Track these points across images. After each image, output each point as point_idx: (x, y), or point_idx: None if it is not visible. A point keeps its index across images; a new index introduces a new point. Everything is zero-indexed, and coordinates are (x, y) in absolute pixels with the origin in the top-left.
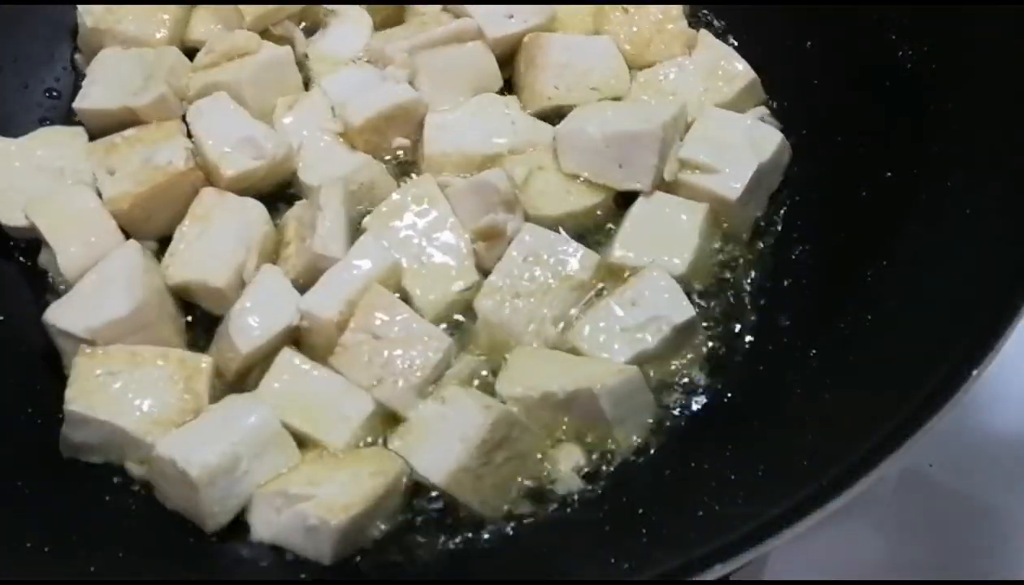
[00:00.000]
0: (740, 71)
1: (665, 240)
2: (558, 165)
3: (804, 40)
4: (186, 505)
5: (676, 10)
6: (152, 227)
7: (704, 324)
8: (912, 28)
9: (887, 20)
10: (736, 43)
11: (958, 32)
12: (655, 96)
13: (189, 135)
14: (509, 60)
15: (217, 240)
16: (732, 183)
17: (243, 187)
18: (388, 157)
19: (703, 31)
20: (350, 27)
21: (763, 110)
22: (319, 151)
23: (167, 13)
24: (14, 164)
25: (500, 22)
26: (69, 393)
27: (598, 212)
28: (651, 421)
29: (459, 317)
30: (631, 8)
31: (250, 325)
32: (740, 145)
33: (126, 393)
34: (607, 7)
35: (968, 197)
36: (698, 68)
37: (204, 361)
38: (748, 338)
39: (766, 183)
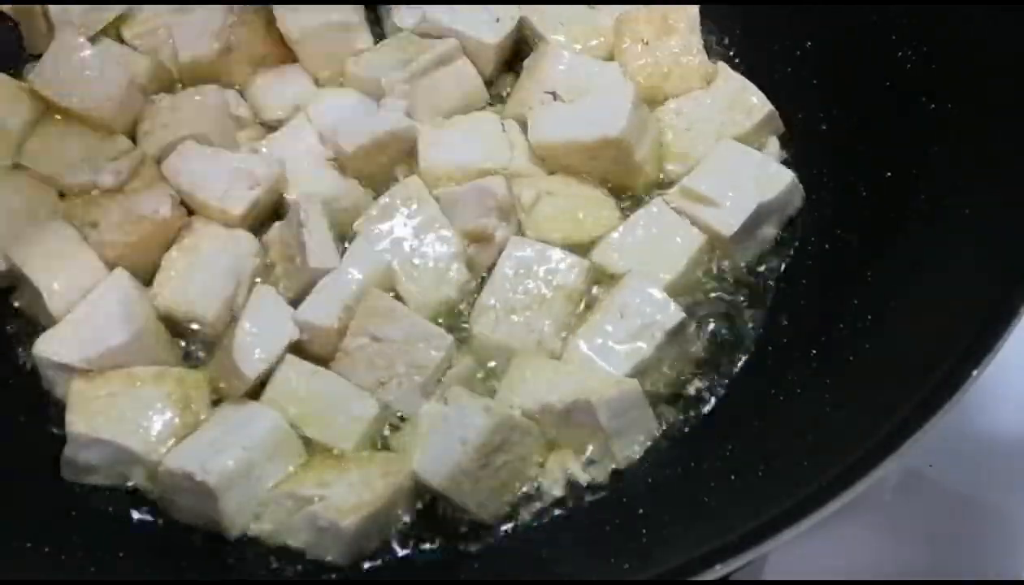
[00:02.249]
0: (757, 104)
1: (652, 254)
2: (568, 191)
3: (803, 40)
4: (204, 515)
5: (695, 43)
6: (136, 270)
7: (704, 321)
8: (912, 28)
9: (887, 20)
10: (734, 45)
11: (958, 32)
12: (671, 131)
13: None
14: (501, 71)
15: (207, 271)
16: (729, 219)
17: (251, 219)
18: (384, 183)
19: (721, 63)
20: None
21: (776, 147)
22: (305, 174)
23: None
24: None
25: (490, 28)
26: (70, 416)
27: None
28: (650, 435)
29: (455, 319)
30: (649, 41)
31: (253, 351)
32: (746, 181)
33: (127, 413)
34: (624, 41)
35: (968, 197)
36: (716, 101)
37: (201, 377)
38: (748, 338)
39: (770, 223)
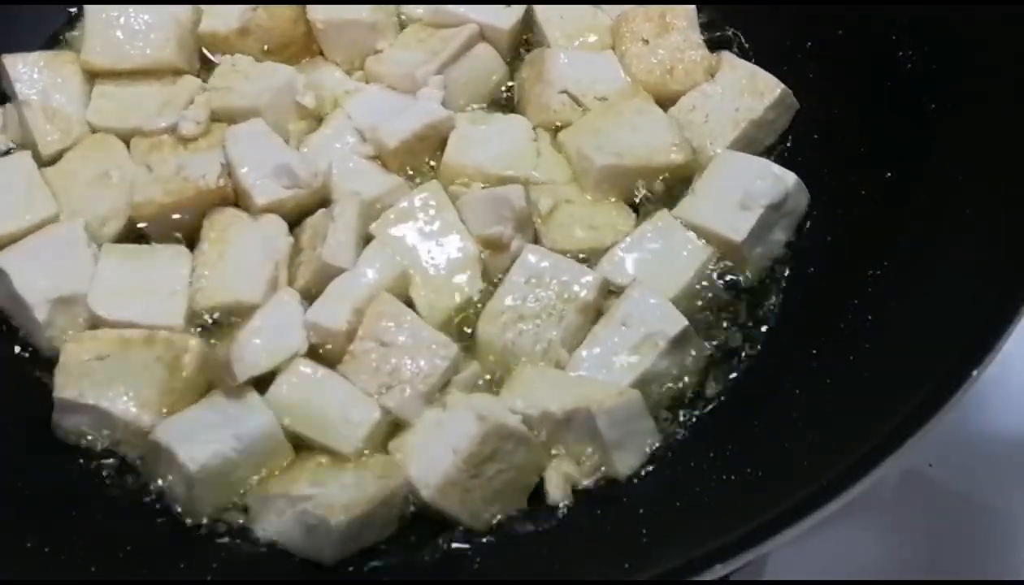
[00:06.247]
0: (769, 86)
1: (657, 268)
2: (585, 199)
3: (803, 41)
4: (175, 491)
5: (695, 38)
6: (176, 228)
7: (707, 325)
8: (912, 28)
9: (887, 20)
10: (733, 47)
11: (958, 32)
12: (688, 128)
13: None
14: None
15: (241, 258)
16: (737, 225)
17: (285, 211)
18: (421, 177)
19: (725, 53)
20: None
21: (768, 164)
22: (350, 173)
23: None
24: (62, 180)
25: (503, 14)
26: (58, 380)
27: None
28: (651, 445)
29: (465, 325)
30: (650, 40)
31: (252, 355)
32: (750, 186)
33: (114, 377)
34: (625, 42)
35: (968, 197)
36: (726, 90)
37: (191, 341)
38: (749, 340)
39: (779, 228)
